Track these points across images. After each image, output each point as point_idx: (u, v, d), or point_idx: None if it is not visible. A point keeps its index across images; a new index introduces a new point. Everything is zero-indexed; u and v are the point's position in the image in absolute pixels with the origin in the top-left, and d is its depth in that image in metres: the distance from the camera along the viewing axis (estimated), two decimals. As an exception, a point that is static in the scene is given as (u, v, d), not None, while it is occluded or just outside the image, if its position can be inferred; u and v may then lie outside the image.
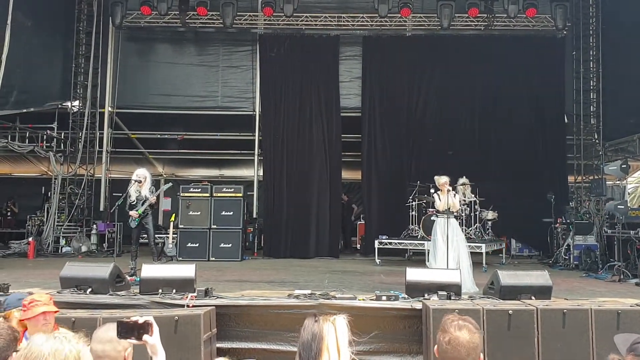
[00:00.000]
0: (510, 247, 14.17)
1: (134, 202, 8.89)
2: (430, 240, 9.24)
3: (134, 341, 2.53)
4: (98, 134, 15.60)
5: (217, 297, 6.18)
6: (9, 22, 11.24)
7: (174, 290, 6.10)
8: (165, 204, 13.47)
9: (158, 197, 9.48)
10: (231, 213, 12.62)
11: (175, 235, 11.99)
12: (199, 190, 12.84)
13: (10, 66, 11.45)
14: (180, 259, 11.69)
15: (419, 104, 14.79)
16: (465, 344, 2.41)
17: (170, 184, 11.13)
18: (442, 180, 8.63)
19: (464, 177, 12.23)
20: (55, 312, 4.20)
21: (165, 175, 19.42)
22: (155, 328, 2.54)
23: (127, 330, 2.50)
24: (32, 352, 2.09)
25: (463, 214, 11.68)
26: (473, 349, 2.42)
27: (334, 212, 14.32)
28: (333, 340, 2.57)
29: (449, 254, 8.05)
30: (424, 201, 12.59)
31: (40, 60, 13.63)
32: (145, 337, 2.50)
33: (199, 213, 12.55)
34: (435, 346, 2.54)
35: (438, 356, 2.47)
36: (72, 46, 15.22)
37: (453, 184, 9.35)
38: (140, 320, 2.52)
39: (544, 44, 14.88)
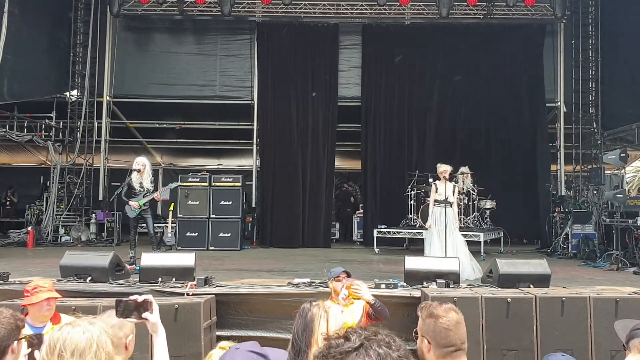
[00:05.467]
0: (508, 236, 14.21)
1: (138, 192, 8.84)
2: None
3: (134, 320, 2.49)
4: (96, 123, 15.57)
5: (217, 286, 6.18)
6: (5, 9, 11.15)
7: (174, 279, 6.12)
8: (164, 193, 13.41)
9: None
10: (230, 202, 12.63)
11: (174, 225, 11.97)
12: (198, 179, 12.85)
13: (6, 56, 11.36)
14: (179, 248, 11.68)
15: (418, 92, 14.73)
16: (462, 322, 2.41)
17: (179, 183, 11.11)
18: (442, 168, 8.58)
19: (466, 166, 12.28)
20: (57, 298, 4.24)
21: (163, 165, 19.40)
22: (155, 306, 2.50)
23: (127, 309, 2.46)
24: (65, 343, 1.93)
25: (462, 203, 11.68)
26: (464, 326, 2.42)
27: (328, 201, 14.37)
28: (324, 331, 2.57)
29: (447, 242, 8.06)
30: (423, 190, 12.60)
31: (37, 50, 13.52)
32: (146, 314, 2.47)
33: (197, 202, 12.57)
34: (425, 340, 2.37)
35: (433, 343, 2.33)
36: (69, 35, 15.13)
37: (454, 172, 9.30)
38: (140, 299, 2.48)
39: (529, 32, 14.87)
